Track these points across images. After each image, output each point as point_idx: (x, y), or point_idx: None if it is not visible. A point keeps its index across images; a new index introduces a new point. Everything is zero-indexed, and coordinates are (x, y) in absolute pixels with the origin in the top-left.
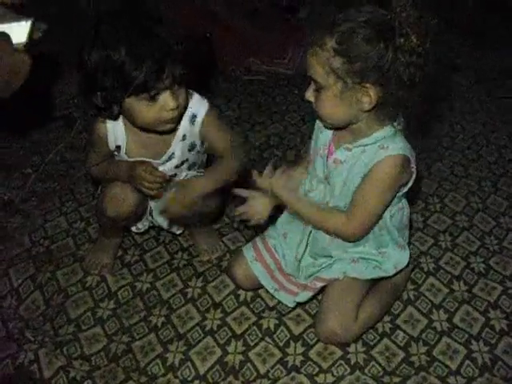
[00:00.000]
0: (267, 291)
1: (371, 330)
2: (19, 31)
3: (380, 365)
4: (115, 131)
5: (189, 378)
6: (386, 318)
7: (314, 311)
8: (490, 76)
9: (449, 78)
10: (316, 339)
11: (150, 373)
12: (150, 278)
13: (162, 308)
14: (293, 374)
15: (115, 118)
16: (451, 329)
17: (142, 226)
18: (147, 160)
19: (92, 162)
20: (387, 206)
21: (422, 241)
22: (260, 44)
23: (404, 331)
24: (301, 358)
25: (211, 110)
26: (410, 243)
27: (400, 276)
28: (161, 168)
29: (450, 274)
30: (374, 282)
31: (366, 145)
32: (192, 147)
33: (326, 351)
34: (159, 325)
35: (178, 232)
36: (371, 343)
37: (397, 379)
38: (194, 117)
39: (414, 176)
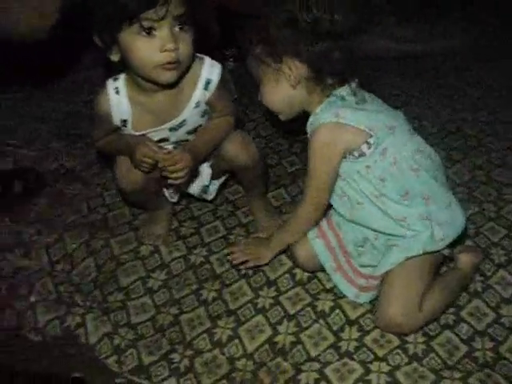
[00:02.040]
0: (325, 272)
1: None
2: None
3: (440, 357)
4: (119, 105)
5: (236, 356)
6: (450, 309)
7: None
8: None
9: None
10: (373, 325)
11: (195, 347)
12: (205, 252)
13: (214, 282)
14: (345, 359)
15: (119, 66)
16: None
17: (174, 194)
18: (150, 132)
19: (98, 137)
20: (334, 174)
21: (493, 231)
22: None
23: (469, 324)
24: (355, 343)
25: (223, 73)
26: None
27: (468, 265)
28: (172, 135)
29: None
30: (439, 269)
31: (311, 123)
32: (205, 112)
33: (382, 339)
34: (210, 299)
35: (210, 198)
36: (432, 334)
37: (458, 374)
38: (208, 82)
39: (375, 136)
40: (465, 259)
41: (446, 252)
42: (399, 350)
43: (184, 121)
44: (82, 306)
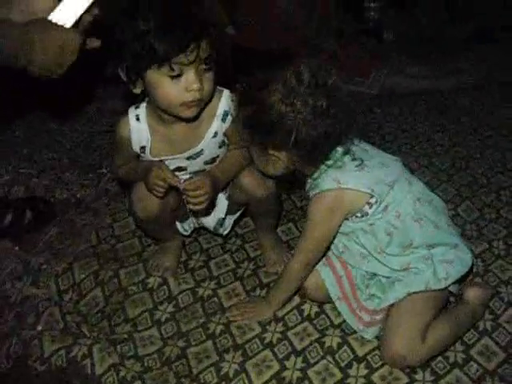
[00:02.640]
0: (333, 308)
1: (441, 359)
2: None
3: None
4: (139, 131)
5: None
6: (459, 348)
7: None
8: None
9: None
10: (381, 362)
11: (202, 380)
12: (213, 285)
13: (221, 316)
14: None
15: (140, 98)
16: None
17: (187, 227)
18: (168, 159)
19: (117, 164)
20: (331, 238)
21: (502, 269)
22: (343, 63)
23: (478, 363)
24: (363, 380)
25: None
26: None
27: (477, 302)
28: (190, 164)
29: None
30: (445, 304)
31: (311, 187)
32: (222, 143)
33: (390, 376)
34: (217, 333)
35: (225, 233)
36: (441, 373)
37: None
38: (226, 114)
39: (377, 195)
40: (473, 294)
41: (454, 289)
42: None
43: (202, 150)
44: (89, 337)
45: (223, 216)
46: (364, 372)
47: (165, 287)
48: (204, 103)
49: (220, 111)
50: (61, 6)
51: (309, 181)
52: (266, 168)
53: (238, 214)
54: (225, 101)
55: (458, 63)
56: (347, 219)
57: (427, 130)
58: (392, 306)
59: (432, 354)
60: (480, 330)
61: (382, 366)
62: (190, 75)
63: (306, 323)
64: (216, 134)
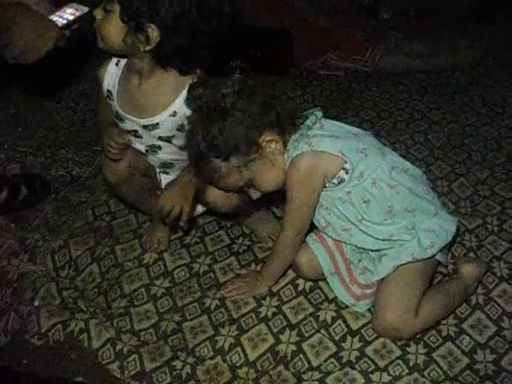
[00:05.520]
0: (327, 283)
1: (434, 332)
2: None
3: (441, 369)
4: (112, 76)
5: (237, 364)
6: (452, 321)
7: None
8: None
9: None
10: (374, 336)
11: (198, 354)
12: (208, 261)
13: (217, 291)
14: (347, 369)
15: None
16: None
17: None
18: (127, 117)
19: (100, 115)
20: (315, 202)
21: (495, 245)
22: (338, 40)
23: (470, 336)
24: (356, 353)
25: None
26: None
27: (472, 277)
28: (145, 134)
29: None
30: (434, 273)
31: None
32: (182, 128)
33: (384, 349)
34: (212, 307)
35: (202, 210)
36: (433, 345)
37: None
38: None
39: (349, 160)
40: (467, 269)
41: (442, 259)
42: (400, 361)
43: (157, 124)
44: (86, 312)
45: (202, 210)
46: (358, 345)
47: (160, 263)
48: (107, 50)
49: (184, 93)
50: (59, 12)
51: (285, 157)
52: (271, 178)
53: None
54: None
55: (456, 41)
56: (325, 187)
57: (422, 108)
58: (382, 279)
59: (424, 326)
60: (472, 304)
61: (376, 339)
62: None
63: (301, 297)
64: (175, 113)
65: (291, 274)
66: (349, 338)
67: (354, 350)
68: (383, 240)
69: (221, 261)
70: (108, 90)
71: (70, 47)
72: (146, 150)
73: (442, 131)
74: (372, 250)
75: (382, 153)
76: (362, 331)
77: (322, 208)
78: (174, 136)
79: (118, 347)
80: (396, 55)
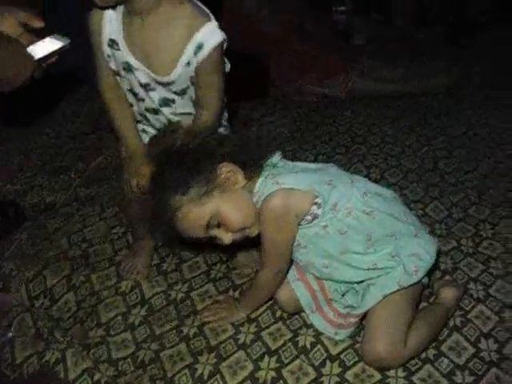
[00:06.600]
0: None
1: None
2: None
3: None
4: (111, 22)
5: None
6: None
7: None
8: None
9: None
10: (354, 360)
11: (177, 382)
12: (186, 288)
13: (195, 318)
14: None
15: None
16: (501, 360)
17: None
18: (140, 68)
19: (99, 77)
20: (292, 241)
21: (470, 266)
22: (313, 65)
23: (449, 358)
24: (336, 378)
25: (222, 44)
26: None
27: (450, 300)
28: (159, 88)
29: (501, 302)
30: (419, 303)
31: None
32: (193, 78)
33: (363, 374)
34: (191, 335)
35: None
36: (413, 369)
37: None
38: (199, 47)
39: (319, 194)
40: (446, 294)
41: (425, 281)
42: None
43: (173, 82)
44: (62, 342)
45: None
46: (338, 370)
47: (137, 291)
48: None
49: (195, 40)
50: (40, 43)
51: (254, 200)
52: (238, 210)
53: None
54: (204, 32)
55: (429, 66)
56: (300, 224)
57: (395, 132)
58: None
59: (412, 355)
60: (450, 326)
61: (355, 363)
62: None
63: (279, 323)
64: (189, 63)
65: (269, 300)
66: (328, 363)
67: (333, 375)
68: (367, 269)
69: (198, 288)
70: (111, 40)
71: (47, 77)
72: (160, 104)
73: (415, 155)
74: (357, 283)
75: (352, 181)
76: (342, 356)
77: (300, 247)
78: (187, 88)
79: (96, 378)
80: (369, 80)
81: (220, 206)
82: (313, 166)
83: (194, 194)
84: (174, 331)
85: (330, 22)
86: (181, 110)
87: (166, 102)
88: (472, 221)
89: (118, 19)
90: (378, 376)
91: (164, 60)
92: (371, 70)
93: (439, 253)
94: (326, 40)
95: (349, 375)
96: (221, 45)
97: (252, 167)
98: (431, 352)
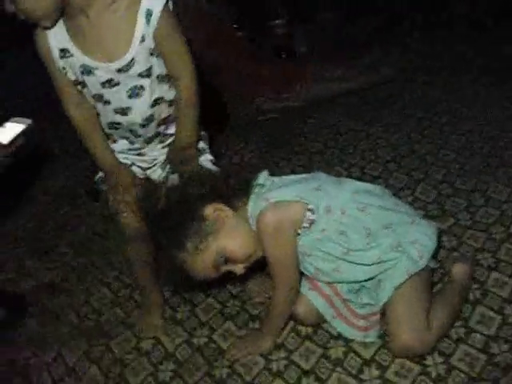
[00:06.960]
0: (327, 322)
1: (445, 338)
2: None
3: (464, 372)
4: (56, 34)
5: None
6: (457, 323)
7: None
8: None
9: None
10: (390, 359)
11: None
12: (206, 331)
13: (223, 359)
14: None
15: None
16: None
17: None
18: (97, 66)
19: (60, 91)
20: (295, 253)
21: (474, 238)
22: (265, 82)
23: (480, 332)
24: (378, 381)
25: (169, 5)
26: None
27: (463, 275)
28: (122, 78)
29: None
30: (431, 286)
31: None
32: (154, 51)
33: (403, 369)
34: (224, 376)
35: None
36: (448, 352)
37: None
38: (149, 14)
39: (309, 201)
40: (457, 270)
41: (432, 264)
42: (423, 376)
43: (132, 60)
44: None
45: None
46: (376, 373)
47: (159, 346)
48: (45, 14)
49: (142, 9)
50: (3, 129)
51: (250, 222)
52: (237, 242)
53: None
54: None
55: (368, 61)
56: (299, 234)
57: (363, 127)
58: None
59: (439, 338)
60: (471, 300)
61: (392, 362)
62: None
63: (307, 342)
64: (143, 37)
65: (290, 322)
66: (366, 368)
67: (374, 378)
68: (373, 265)
69: (218, 328)
70: (61, 50)
71: (18, 162)
72: (129, 96)
73: (389, 144)
74: (366, 280)
75: (340, 182)
76: (376, 357)
77: (305, 256)
78: (151, 67)
79: None
80: (319, 82)
81: (219, 246)
82: (300, 176)
83: (190, 247)
84: (207, 377)
85: (270, 37)
86: (155, 95)
87: (136, 92)
88: (462, 194)
89: (62, 28)
90: (417, 368)
91: (119, 43)
92: (320, 74)
93: (440, 233)
94: (270, 56)
95: (389, 375)
96: (167, 4)
97: (238, 195)
98: (461, 331)
